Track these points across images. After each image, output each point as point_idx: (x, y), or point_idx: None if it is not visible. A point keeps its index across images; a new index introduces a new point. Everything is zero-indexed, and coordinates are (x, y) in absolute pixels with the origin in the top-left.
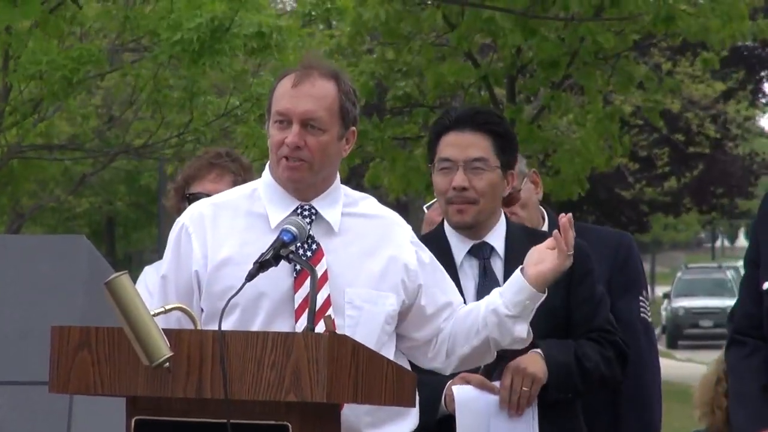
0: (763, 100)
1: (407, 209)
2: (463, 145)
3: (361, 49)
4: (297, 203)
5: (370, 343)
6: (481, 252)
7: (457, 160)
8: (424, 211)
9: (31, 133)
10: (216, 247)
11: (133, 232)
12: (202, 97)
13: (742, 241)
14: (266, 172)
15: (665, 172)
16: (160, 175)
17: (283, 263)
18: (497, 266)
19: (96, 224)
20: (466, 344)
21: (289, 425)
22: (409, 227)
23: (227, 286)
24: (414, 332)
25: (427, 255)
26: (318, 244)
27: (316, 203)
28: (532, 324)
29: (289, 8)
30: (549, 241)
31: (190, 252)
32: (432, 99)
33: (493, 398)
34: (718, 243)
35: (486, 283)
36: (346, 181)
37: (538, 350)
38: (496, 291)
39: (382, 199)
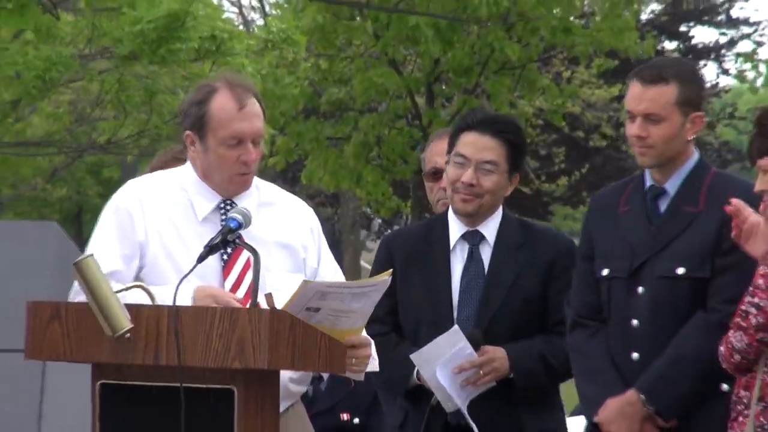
0: None
1: (338, 200)
2: (479, 146)
3: (299, 57)
4: (219, 198)
5: None
6: (471, 238)
7: (471, 158)
8: (353, 202)
9: (10, 132)
10: (153, 235)
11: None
12: (161, 95)
13: None
14: (191, 171)
15: (562, 168)
16: (123, 168)
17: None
18: (485, 252)
19: (66, 211)
20: None
21: (235, 389)
22: (311, 213)
23: (166, 276)
24: None
25: (323, 245)
26: (240, 236)
27: (235, 198)
28: (508, 309)
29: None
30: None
31: (133, 226)
32: (361, 104)
33: (467, 355)
34: None
35: (471, 265)
36: (282, 175)
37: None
38: None
39: (317, 192)
